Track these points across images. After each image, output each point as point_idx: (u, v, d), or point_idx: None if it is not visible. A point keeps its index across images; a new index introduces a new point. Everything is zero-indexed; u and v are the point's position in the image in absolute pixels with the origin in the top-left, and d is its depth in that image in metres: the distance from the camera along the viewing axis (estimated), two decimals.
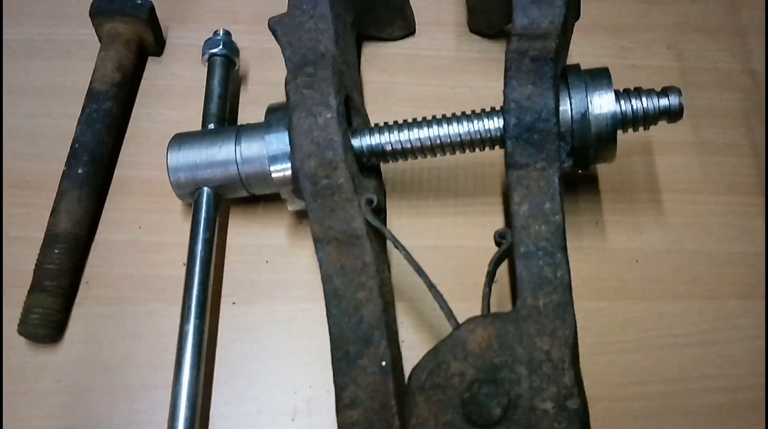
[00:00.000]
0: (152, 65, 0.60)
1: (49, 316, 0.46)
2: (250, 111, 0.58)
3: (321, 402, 0.46)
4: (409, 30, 0.61)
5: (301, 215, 0.53)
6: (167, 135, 0.52)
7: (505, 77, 0.44)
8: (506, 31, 0.60)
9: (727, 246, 0.52)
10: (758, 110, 0.58)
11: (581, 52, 0.59)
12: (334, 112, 0.45)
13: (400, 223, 0.53)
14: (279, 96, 0.57)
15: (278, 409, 0.46)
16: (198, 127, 0.54)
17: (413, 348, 0.47)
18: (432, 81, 0.59)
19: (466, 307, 0.42)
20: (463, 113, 0.48)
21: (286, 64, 0.50)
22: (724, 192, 0.54)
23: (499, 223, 0.53)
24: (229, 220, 0.53)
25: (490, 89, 0.58)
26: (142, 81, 0.59)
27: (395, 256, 0.49)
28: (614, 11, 0.63)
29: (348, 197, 0.45)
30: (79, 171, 0.51)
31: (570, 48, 0.51)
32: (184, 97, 0.58)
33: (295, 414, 0.46)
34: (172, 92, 0.58)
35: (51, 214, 0.50)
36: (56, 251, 0.48)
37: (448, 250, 0.52)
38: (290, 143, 0.45)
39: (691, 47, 0.61)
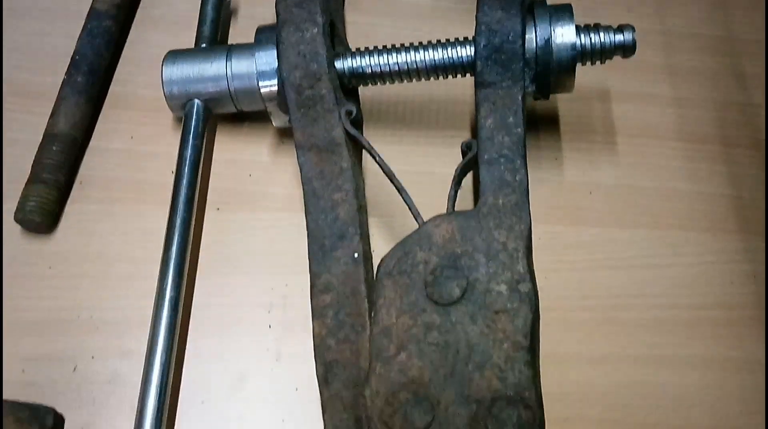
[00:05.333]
0: None
1: (45, 206, 0.49)
2: None
3: (295, 298, 0.50)
4: None
5: (282, 134, 0.57)
6: (161, 58, 0.56)
7: (477, 3, 0.49)
8: None
9: (673, 184, 0.57)
10: (709, 70, 0.63)
11: None
12: (320, 29, 0.49)
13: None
14: None
15: (255, 302, 0.50)
16: None
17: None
18: (410, 25, 0.63)
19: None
20: (438, 41, 0.53)
21: None
22: (674, 138, 0.59)
23: None
24: (216, 137, 0.57)
25: None
26: (139, 9, 0.62)
27: (370, 175, 0.53)
28: None
29: (329, 108, 0.49)
30: (79, 79, 0.54)
31: None
32: (177, 25, 0.61)
33: (271, 307, 0.50)
34: (167, 21, 0.62)
35: (50, 116, 0.53)
36: (54, 148, 0.51)
37: (417, 175, 0.55)
38: (278, 56, 0.49)
39: (648, 11, 0.66)
